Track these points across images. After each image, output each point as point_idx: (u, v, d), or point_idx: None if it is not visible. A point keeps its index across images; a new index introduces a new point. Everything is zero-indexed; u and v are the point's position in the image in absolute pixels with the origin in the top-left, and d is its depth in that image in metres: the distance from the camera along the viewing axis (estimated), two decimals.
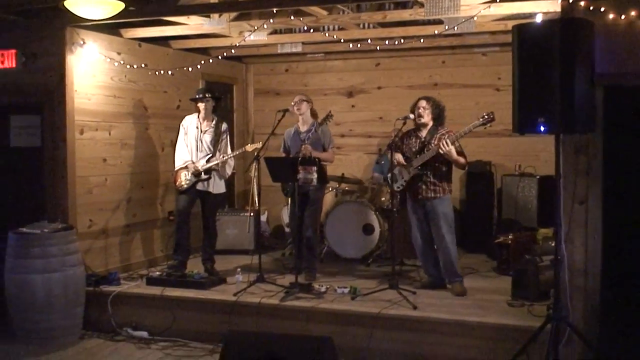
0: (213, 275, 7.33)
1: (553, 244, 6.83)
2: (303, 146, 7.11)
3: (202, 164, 7.31)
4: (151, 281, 7.18)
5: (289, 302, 6.43)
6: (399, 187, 6.90)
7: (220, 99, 7.70)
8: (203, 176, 7.30)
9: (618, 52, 5.24)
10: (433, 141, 6.61)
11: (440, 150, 6.43)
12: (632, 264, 5.28)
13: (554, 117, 4.75)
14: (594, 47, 4.89)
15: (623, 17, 5.21)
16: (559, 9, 5.63)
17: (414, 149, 6.79)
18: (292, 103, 7.44)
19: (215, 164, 7.32)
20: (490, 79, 9.34)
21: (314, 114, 7.53)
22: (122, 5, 5.88)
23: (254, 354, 4.63)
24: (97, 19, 6.05)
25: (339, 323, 6.15)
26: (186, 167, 7.35)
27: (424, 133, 6.81)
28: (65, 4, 5.73)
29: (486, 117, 6.33)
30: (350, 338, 6.03)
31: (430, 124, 6.78)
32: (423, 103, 6.77)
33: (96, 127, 7.47)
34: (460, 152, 6.58)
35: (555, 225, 5.15)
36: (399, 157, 6.85)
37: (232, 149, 7.78)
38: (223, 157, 7.35)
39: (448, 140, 6.40)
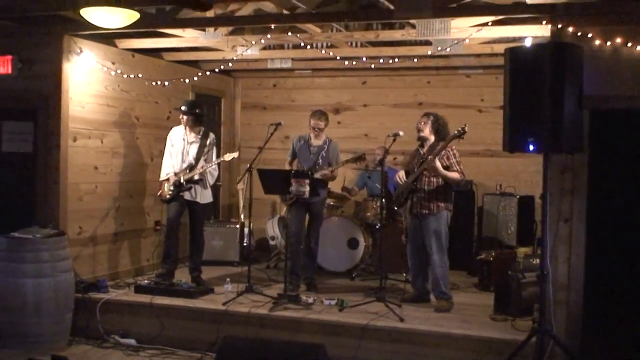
0: (200, 285, 7.39)
1: (534, 262, 7.07)
2: (321, 173, 7.42)
3: (183, 174, 7.38)
4: (140, 289, 7.21)
5: (278, 312, 6.53)
6: (400, 200, 7.01)
7: (200, 115, 7.65)
8: (185, 186, 7.36)
9: (603, 76, 5.46)
10: (429, 157, 6.65)
11: (425, 166, 6.59)
12: (614, 279, 5.48)
13: (543, 137, 4.94)
14: (582, 70, 5.09)
15: (609, 43, 5.45)
16: (547, 34, 5.85)
17: (415, 167, 6.88)
18: (311, 124, 7.59)
19: (195, 175, 7.36)
20: (473, 100, 9.52)
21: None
22: (137, 15, 5.88)
23: (248, 359, 4.73)
24: (111, 28, 6.08)
25: (327, 333, 6.25)
26: (168, 180, 7.45)
27: (425, 149, 6.92)
28: (81, 11, 5.77)
29: (460, 130, 6.48)
30: (339, 348, 6.11)
31: (432, 139, 6.87)
32: (423, 118, 6.92)
33: (89, 134, 7.53)
34: (448, 168, 6.65)
35: (541, 241, 5.30)
36: (401, 174, 7.00)
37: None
38: (202, 167, 7.38)
39: (431, 156, 6.55)
